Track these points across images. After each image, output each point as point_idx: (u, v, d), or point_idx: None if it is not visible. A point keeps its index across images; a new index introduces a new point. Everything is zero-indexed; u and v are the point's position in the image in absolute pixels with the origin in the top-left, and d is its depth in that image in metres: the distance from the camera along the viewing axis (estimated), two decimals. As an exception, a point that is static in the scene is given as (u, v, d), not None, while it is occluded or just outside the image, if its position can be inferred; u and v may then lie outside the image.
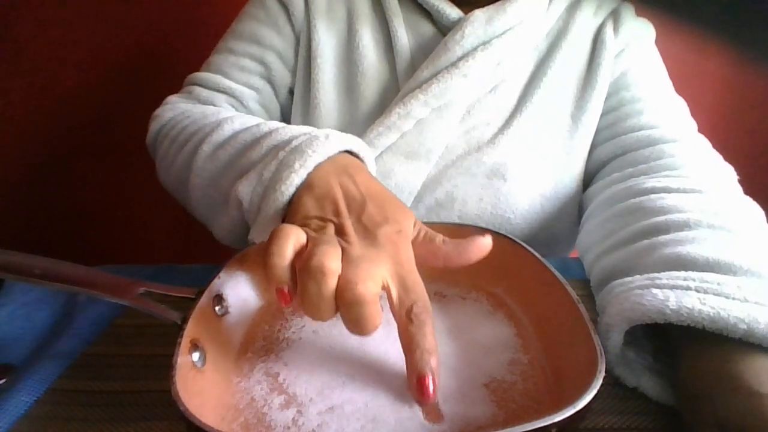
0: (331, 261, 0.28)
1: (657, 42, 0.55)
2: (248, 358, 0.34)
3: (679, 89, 0.54)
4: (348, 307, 0.27)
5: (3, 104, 0.92)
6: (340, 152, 0.38)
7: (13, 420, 0.31)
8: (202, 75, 0.56)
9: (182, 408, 0.24)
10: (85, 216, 0.99)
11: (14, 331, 0.41)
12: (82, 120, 0.94)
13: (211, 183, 0.42)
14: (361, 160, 0.40)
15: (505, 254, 0.39)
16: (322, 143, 0.37)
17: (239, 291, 0.37)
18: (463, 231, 0.42)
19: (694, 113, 0.52)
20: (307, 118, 0.54)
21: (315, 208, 0.34)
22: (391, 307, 0.29)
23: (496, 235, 0.40)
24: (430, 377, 0.28)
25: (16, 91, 0.91)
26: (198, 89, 0.55)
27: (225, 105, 0.54)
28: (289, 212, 0.35)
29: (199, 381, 0.29)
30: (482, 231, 0.41)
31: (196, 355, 0.29)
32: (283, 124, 0.42)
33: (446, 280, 0.41)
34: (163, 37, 0.89)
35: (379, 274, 0.29)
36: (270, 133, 0.40)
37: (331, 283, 0.28)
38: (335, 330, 0.36)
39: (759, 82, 0.87)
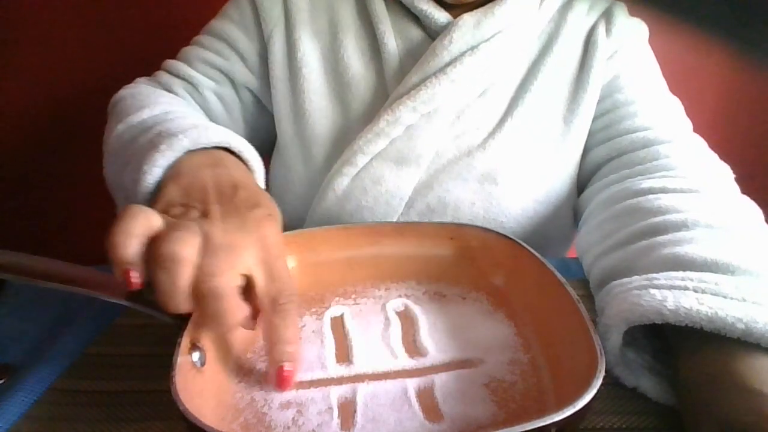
0: (184, 248, 0.26)
1: (656, 42, 0.55)
2: (248, 358, 0.34)
3: (679, 89, 0.54)
4: (204, 301, 0.26)
5: (2, 105, 0.92)
6: (220, 149, 0.37)
7: (13, 420, 0.31)
8: (170, 62, 0.58)
9: (182, 408, 0.24)
10: (85, 216, 0.99)
11: (14, 331, 0.41)
12: (82, 120, 0.94)
13: (113, 163, 0.43)
14: (245, 163, 0.39)
15: (505, 254, 0.39)
16: (197, 131, 0.36)
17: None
18: (462, 231, 0.42)
19: (694, 113, 0.52)
20: (298, 126, 0.55)
21: (180, 195, 0.32)
22: (255, 295, 0.29)
23: (497, 236, 0.40)
24: (290, 369, 0.29)
25: (15, 91, 0.91)
26: (161, 74, 0.57)
27: (181, 90, 0.55)
28: (153, 201, 0.33)
29: (199, 381, 0.29)
30: (482, 231, 0.41)
31: (196, 355, 0.29)
32: (193, 116, 0.42)
33: (446, 280, 0.41)
34: (162, 39, 0.89)
35: (242, 263, 0.28)
36: (166, 121, 0.40)
37: (184, 272, 0.26)
38: (335, 330, 0.36)
39: (759, 82, 0.87)
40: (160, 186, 0.34)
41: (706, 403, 0.27)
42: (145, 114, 0.44)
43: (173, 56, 0.60)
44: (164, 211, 0.30)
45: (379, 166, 0.51)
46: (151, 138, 0.38)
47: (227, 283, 0.27)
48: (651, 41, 0.55)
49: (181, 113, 0.44)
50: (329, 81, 0.54)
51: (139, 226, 0.27)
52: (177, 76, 0.56)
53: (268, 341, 0.29)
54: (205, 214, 0.30)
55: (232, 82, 0.57)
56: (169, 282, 0.26)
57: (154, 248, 0.26)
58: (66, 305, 0.43)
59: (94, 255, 0.35)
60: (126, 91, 0.54)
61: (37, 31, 0.88)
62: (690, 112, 0.52)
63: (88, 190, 0.99)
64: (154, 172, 0.34)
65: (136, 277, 0.27)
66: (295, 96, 0.54)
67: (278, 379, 0.29)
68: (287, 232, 0.42)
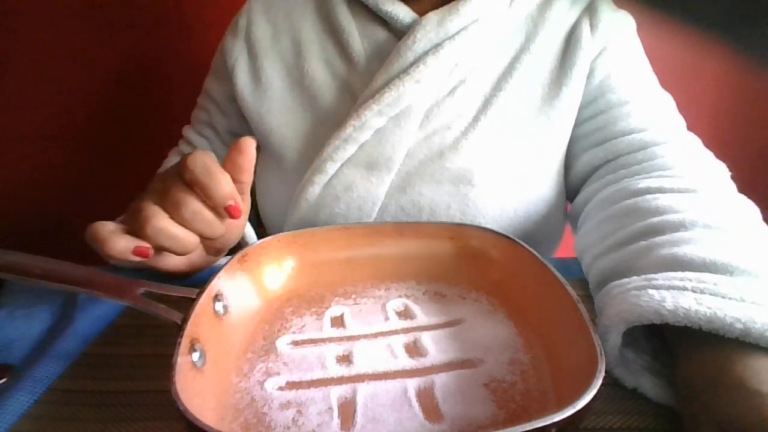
0: None
1: (655, 41, 0.54)
2: (248, 358, 0.34)
3: (678, 89, 0.53)
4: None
5: (2, 106, 0.92)
6: None
7: (13, 420, 0.31)
8: (186, 127, 0.66)
9: (182, 408, 0.24)
10: (86, 216, 0.99)
11: (14, 331, 0.41)
12: (82, 121, 0.94)
13: None
14: None
15: (505, 254, 0.39)
16: None
17: (239, 291, 0.37)
18: (462, 231, 0.42)
19: (694, 113, 0.52)
20: (267, 142, 0.56)
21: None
22: None
23: (497, 236, 0.40)
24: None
25: (15, 93, 0.91)
26: (181, 141, 0.66)
27: None
28: None
29: (199, 381, 0.29)
30: (482, 231, 0.41)
31: (196, 355, 0.29)
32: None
33: (446, 280, 0.41)
34: (162, 41, 0.89)
35: None
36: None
37: None
38: (334, 331, 0.36)
39: (759, 82, 0.87)
40: None
41: (705, 404, 0.27)
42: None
43: (173, 57, 0.61)
44: None
45: (350, 173, 0.50)
46: None
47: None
48: (650, 41, 0.55)
49: None
50: (295, 96, 0.54)
51: None
52: (187, 141, 0.64)
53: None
54: None
55: (216, 132, 0.62)
56: None
57: None
58: (66, 305, 0.43)
59: (94, 255, 0.35)
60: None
61: (43, 34, 0.88)
62: (689, 112, 0.52)
63: (90, 190, 0.99)
64: None
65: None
66: (261, 116, 0.55)
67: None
68: (287, 233, 0.42)
